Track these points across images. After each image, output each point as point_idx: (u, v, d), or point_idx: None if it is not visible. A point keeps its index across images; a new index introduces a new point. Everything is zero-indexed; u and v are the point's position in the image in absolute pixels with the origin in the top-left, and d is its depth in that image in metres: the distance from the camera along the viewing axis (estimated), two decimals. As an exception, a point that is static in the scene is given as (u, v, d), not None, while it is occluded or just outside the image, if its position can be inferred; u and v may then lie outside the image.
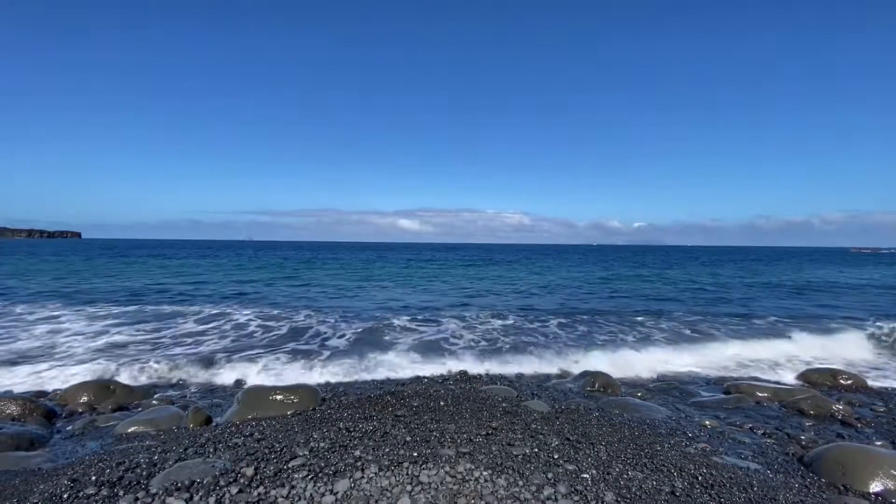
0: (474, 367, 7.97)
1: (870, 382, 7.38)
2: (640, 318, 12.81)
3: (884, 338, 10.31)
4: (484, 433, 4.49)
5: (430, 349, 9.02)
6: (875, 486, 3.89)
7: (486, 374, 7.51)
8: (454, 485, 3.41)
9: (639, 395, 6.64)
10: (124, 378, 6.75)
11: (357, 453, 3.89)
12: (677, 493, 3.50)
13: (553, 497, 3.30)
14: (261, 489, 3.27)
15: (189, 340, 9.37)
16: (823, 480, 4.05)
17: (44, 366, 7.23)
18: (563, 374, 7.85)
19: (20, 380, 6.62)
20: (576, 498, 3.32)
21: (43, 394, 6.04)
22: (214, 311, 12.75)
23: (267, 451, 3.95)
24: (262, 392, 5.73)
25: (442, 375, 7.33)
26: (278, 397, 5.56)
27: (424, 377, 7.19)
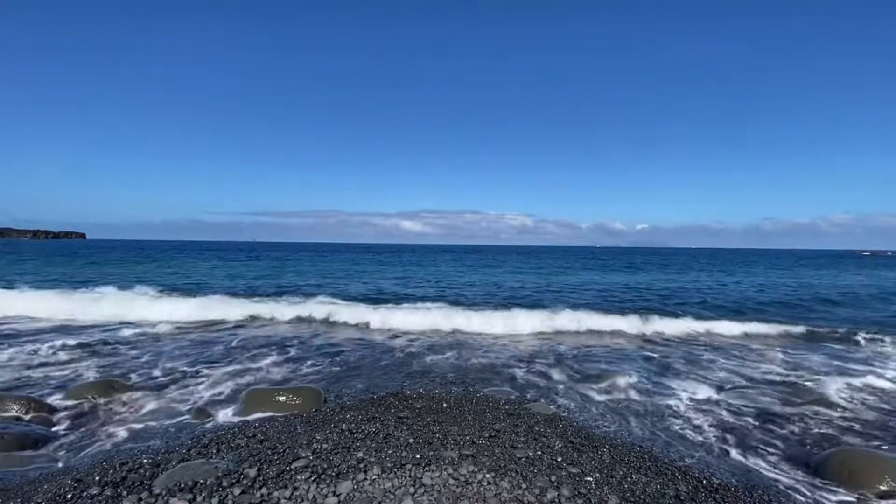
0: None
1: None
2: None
3: None
4: (487, 435, 4.48)
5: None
6: (881, 490, 3.86)
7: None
8: (457, 487, 3.40)
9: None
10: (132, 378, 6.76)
11: (360, 455, 3.89)
12: (681, 497, 3.49)
13: (557, 500, 3.29)
14: (263, 490, 3.26)
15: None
16: (828, 483, 4.03)
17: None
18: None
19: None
20: (580, 501, 3.31)
21: (48, 392, 6.06)
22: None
23: (270, 452, 3.95)
24: (264, 392, 5.74)
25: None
26: (281, 398, 5.57)
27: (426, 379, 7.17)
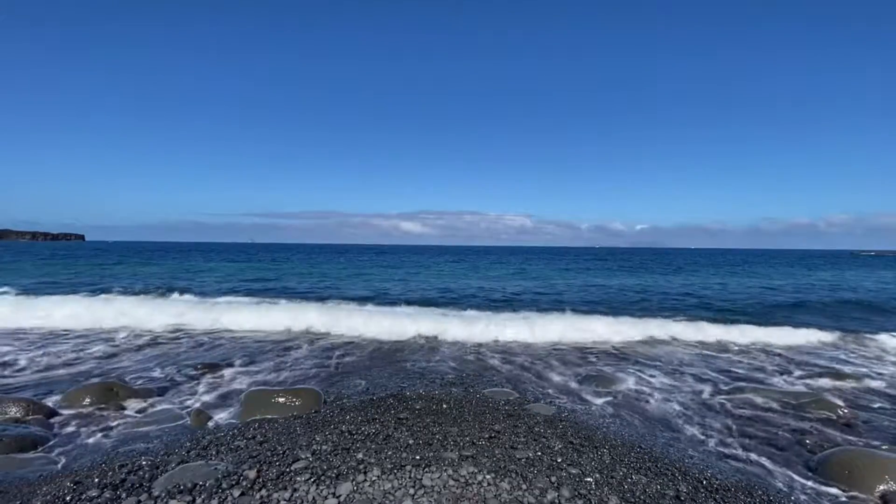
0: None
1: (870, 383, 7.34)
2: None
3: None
4: (487, 436, 4.48)
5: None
6: (881, 490, 3.86)
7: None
8: (457, 488, 3.39)
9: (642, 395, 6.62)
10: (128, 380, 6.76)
11: (360, 456, 3.88)
12: (682, 498, 3.48)
13: (557, 501, 3.29)
14: (263, 492, 3.26)
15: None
16: (829, 484, 4.02)
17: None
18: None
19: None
20: (580, 502, 3.30)
21: (46, 395, 6.05)
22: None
23: (269, 453, 3.94)
24: (264, 394, 5.73)
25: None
26: (280, 399, 5.56)
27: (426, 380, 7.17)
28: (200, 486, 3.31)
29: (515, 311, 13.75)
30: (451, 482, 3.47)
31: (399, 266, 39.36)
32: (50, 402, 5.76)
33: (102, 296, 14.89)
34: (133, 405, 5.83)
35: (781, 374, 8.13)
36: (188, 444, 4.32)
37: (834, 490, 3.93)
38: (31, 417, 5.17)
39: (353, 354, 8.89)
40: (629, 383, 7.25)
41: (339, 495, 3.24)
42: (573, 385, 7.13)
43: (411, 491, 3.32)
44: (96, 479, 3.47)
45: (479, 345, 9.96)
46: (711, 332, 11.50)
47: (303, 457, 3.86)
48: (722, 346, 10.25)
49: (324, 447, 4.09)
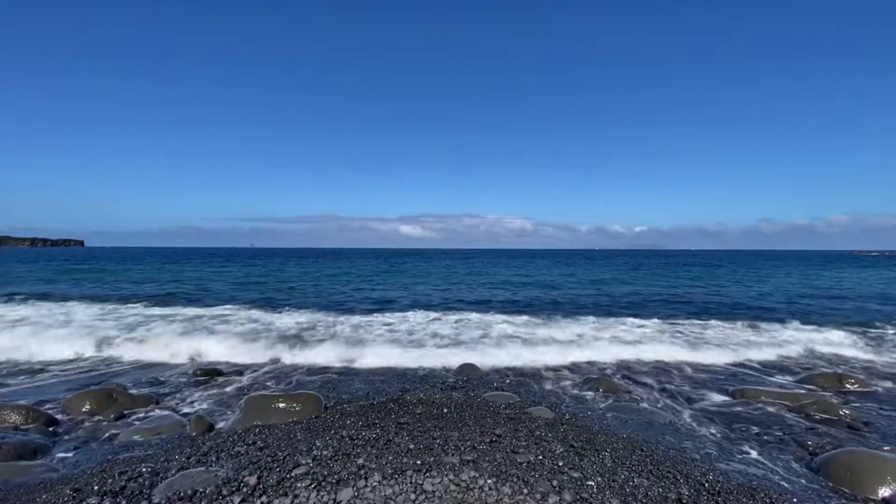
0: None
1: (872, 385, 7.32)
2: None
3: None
4: (488, 440, 4.46)
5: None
6: (883, 492, 3.85)
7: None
8: (458, 493, 3.38)
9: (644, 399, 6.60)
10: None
11: (360, 461, 3.87)
12: (684, 501, 3.47)
13: (558, 505, 3.27)
14: (264, 498, 3.25)
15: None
16: (831, 486, 4.01)
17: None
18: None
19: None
20: (581, 506, 3.29)
21: (45, 402, 6.04)
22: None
23: (270, 459, 3.93)
24: (264, 399, 5.71)
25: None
26: (281, 405, 5.54)
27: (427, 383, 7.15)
28: (200, 492, 3.30)
29: (515, 316, 13.74)
30: (453, 487, 3.45)
31: (400, 272, 39.32)
32: (50, 408, 5.75)
33: (99, 304, 14.89)
34: (133, 411, 5.82)
35: (783, 375, 8.11)
36: (188, 450, 4.30)
37: (836, 492, 3.91)
38: (31, 424, 5.16)
39: (354, 361, 8.87)
40: (630, 387, 7.23)
41: (340, 501, 3.23)
42: (574, 389, 7.12)
43: (412, 496, 3.31)
44: (96, 487, 3.45)
45: (480, 349, 9.92)
46: (711, 335, 11.49)
47: (303, 462, 3.85)
48: (722, 349, 10.21)
49: (324, 452, 4.07)
